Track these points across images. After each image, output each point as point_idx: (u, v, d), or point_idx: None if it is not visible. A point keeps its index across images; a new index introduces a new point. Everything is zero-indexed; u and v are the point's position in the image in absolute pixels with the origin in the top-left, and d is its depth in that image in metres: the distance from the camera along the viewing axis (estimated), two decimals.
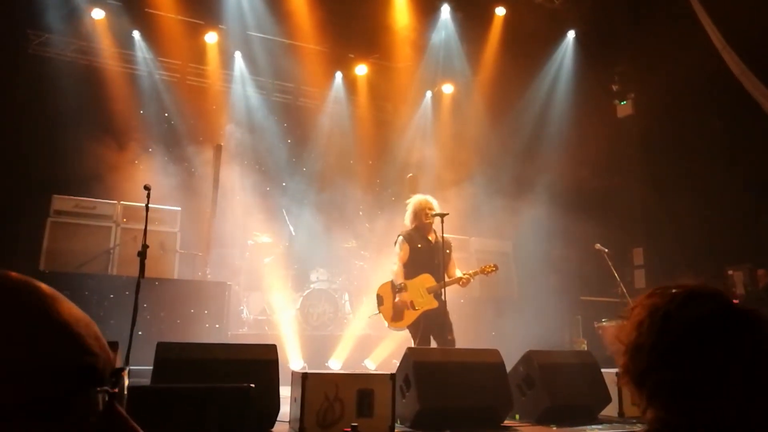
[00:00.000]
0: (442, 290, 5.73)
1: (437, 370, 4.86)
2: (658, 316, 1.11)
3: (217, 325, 7.77)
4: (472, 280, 5.86)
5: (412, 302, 5.69)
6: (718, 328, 1.08)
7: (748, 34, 8.82)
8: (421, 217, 5.88)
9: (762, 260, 8.91)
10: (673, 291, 1.14)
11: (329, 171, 11.23)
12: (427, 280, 5.78)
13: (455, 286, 5.85)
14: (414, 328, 5.72)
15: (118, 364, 4.30)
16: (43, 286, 0.79)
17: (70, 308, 0.79)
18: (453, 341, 5.69)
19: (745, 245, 9.34)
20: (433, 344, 5.74)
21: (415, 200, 6.04)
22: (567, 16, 11.54)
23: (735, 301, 1.14)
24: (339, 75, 12.13)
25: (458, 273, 5.91)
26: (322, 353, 8.18)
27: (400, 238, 5.95)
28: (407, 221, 6.02)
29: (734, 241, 9.42)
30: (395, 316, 5.76)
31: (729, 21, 9.05)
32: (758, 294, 8.60)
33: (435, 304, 5.72)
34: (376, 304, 5.91)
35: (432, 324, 5.71)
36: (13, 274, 0.78)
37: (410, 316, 5.70)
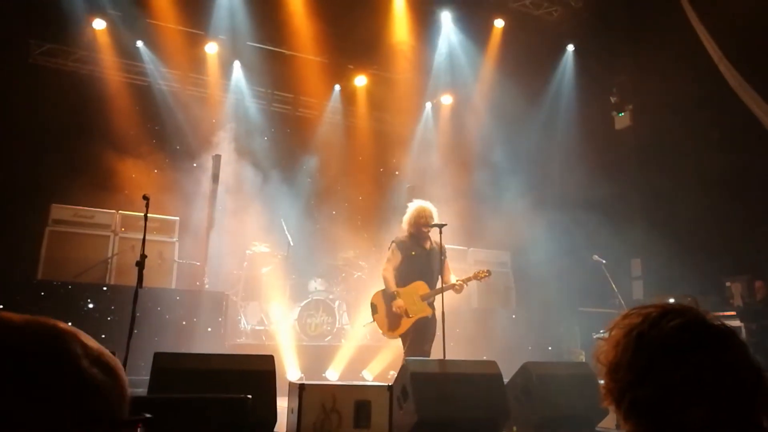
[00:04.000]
0: (436, 297, 5.73)
1: (435, 381, 4.86)
2: (632, 336, 1.15)
3: (214, 336, 7.76)
4: (465, 286, 5.85)
5: (406, 310, 5.69)
6: (687, 344, 1.11)
7: (745, 46, 8.87)
8: (419, 224, 5.87)
9: (760, 272, 8.90)
10: (647, 310, 1.17)
11: (328, 181, 11.26)
12: (420, 287, 5.77)
13: (451, 295, 5.84)
14: (404, 336, 5.74)
15: None
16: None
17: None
18: (428, 353, 5.71)
19: (744, 257, 9.35)
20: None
21: (415, 206, 6.00)
22: (565, 28, 11.61)
23: (713, 315, 1.17)
24: (338, 87, 12.17)
25: (453, 280, 5.91)
26: (320, 364, 8.16)
27: (393, 244, 5.95)
28: (404, 225, 6.01)
29: (732, 252, 9.43)
30: (390, 325, 5.76)
31: (726, 34, 9.11)
32: (756, 305, 8.59)
33: (429, 311, 5.72)
34: (370, 313, 5.91)
35: (421, 331, 5.71)
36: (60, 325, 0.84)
37: (405, 323, 5.70)
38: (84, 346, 0.82)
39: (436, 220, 5.84)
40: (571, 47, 11.84)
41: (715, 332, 1.13)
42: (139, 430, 0.88)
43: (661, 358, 1.11)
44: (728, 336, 1.13)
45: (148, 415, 0.88)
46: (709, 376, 1.08)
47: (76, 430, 0.77)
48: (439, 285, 5.81)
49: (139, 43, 10.60)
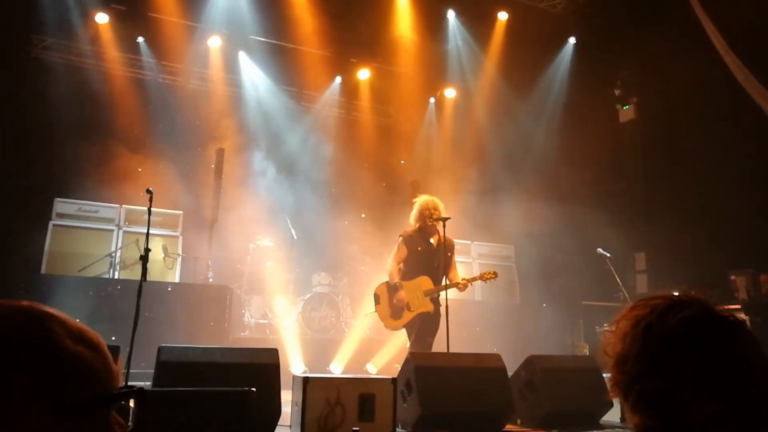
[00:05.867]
0: (440, 293, 5.73)
1: (439, 374, 4.85)
2: (640, 327, 1.15)
3: (218, 329, 7.77)
4: (470, 285, 5.86)
5: (408, 303, 5.70)
6: (696, 335, 1.10)
7: (751, 39, 8.81)
8: (424, 217, 5.88)
9: (765, 265, 8.88)
10: (655, 302, 1.17)
11: (331, 174, 11.24)
12: (424, 282, 5.77)
13: (455, 289, 5.84)
14: (409, 328, 5.75)
15: (120, 367, 4.30)
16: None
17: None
18: (429, 345, 5.74)
19: (748, 250, 9.31)
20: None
21: (421, 200, 6.03)
22: (569, 20, 11.55)
23: (724, 307, 1.16)
24: (342, 79, 12.16)
25: (459, 276, 5.91)
26: (324, 357, 8.17)
27: (400, 239, 5.96)
28: (412, 220, 6.02)
29: (737, 245, 9.39)
30: (391, 317, 5.76)
31: (731, 26, 9.04)
32: (761, 299, 8.57)
33: (430, 307, 5.72)
34: (373, 303, 5.92)
35: (425, 324, 5.72)
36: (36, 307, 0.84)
37: (405, 316, 5.71)
38: (64, 325, 0.82)
39: (442, 214, 5.84)
40: (573, 40, 11.78)
41: (723, 323, 1.12)
42: (132, 404, 0.88)
43: (669, 349, 1.10)
44: (737, 327, 1.13)
45: (140, 385, 0.88)
46: (717, 367, 1.07)
47: (72, 409, 0.77)
48: (444, 281, 5.81)
49: (142, 38, 10.58)
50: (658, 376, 1.10)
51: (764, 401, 1.07)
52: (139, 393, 0.86)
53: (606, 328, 8.51)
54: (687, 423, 1.07)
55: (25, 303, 0.83)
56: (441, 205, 5.95)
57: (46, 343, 0.79)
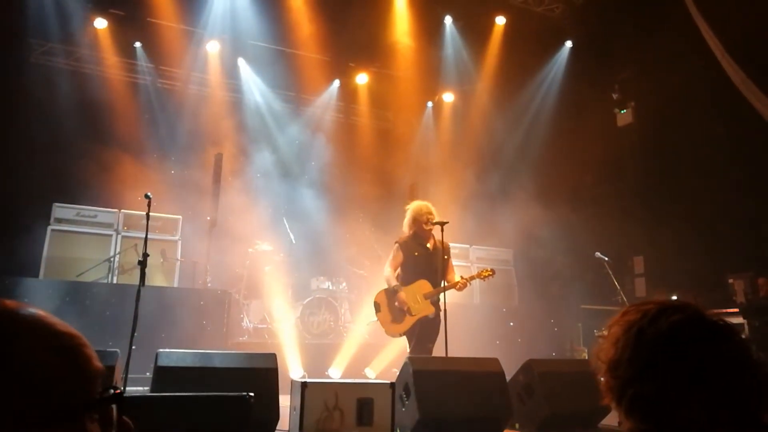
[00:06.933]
0: (440, 296, 5.73)
1: (437, 379, 4.85)
2: (632, 332, 1.15)
3: (217, 334, 7.76)
4: (468, 284, 5.85)
5: (408, 308, 5.69)
6: (687, 339, 1.11)
7: (748, 42, 8.84)
8: (420, 223, 5.87)
9: (763, 269, 8.89)
10: (646, 307, 1.18)
11: (330, 179, 11.25)
12: (423, 286, 5.76)
13: (454, 292, 5.83)
14: (410, 334, 5.73)
15: (119, 372, 4.30)
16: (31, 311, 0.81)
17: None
18: (430, 351, 5.73)
19: (747, 253, 9.33)
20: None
21: (414, 206, 6.01)
22: (568, 24, 11.59)
23: (721, 310, 1.18)
24: (340, 83, 12.18)
25: (457, 278, 5.91)
26: (322, 362, 8.16)
27: (396, 245, 5.96)
28: (405, 227, 6.01)
29: (735, 249, 9.41)
30: (393, 323, 5.75)
31: (728, 30, 9.08)
32: (759, 302, 8.58)
33: (431, 310, 5.72)
34: (374, 312, 5.91)
35: (426, 329, 5.72)
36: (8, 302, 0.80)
37: (407, 322, 5.70)
38: (31, 329, 0.78)
39: (436, 218, 5.85)
40: (572, 44, 11.81)
41: (714, 327, 1.13)
42: (114, 411, 0.82)
43: (661, 354, 1.11)
44: (727, 331, 1.13)
45: (139, 390, 0.84)
46: (709, 371, 1.08)
47: (36, 421, 0.73)
48: (442, 284, 5.81)
49: (141, 42, 10.60)
50: (650, 380, 1.10)
51: (759, 403, 1.07)
52: (117, 399, 0.81)
53: (602, 332, 8.52)
54: (682, 426, 1.07)
55: None
56: (434, 210, 5.96)
57: (5, 353, 0.74)
